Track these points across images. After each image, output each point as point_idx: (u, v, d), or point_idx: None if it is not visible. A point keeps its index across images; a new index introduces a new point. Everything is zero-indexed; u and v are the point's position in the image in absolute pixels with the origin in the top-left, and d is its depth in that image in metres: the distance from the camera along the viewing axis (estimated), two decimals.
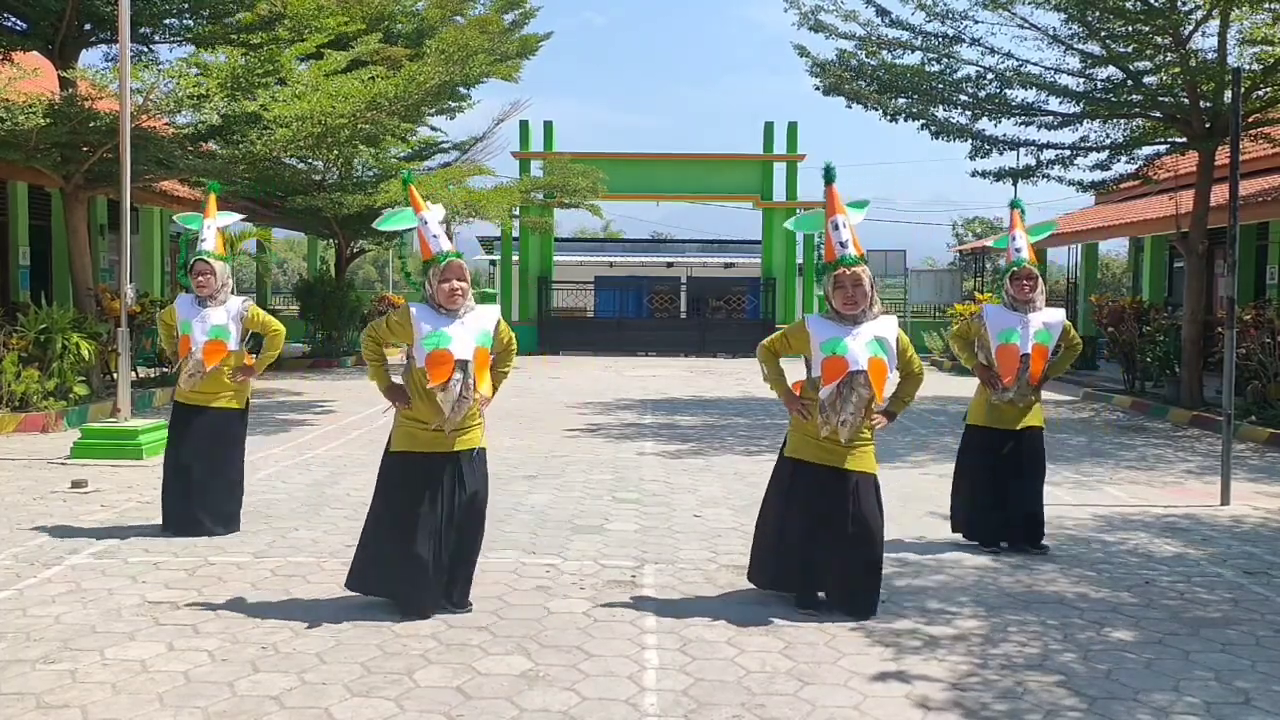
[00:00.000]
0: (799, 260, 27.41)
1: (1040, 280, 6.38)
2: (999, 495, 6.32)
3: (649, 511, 7.48)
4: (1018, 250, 6.39)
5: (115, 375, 11.15)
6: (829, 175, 5.23)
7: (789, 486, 5.16)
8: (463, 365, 4.86)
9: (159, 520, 6.76)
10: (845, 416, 4.93)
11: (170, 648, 4.54)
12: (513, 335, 5.30)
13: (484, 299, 28.10)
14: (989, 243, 7.47)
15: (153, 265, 21.05)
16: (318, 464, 9.25)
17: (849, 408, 4.93)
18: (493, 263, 36.45)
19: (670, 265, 35.83)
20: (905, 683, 4.25)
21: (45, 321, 11.76)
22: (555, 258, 27.83)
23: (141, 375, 14.60)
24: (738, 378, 19.31)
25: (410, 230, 5.32)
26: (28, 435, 10.73)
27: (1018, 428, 6.32)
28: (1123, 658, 4.56)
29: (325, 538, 6.55)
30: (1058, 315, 6.41)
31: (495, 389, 5.18)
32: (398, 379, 5.15)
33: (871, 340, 5.00)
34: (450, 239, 5.12)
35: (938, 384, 16.73)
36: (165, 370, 15.13)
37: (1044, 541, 6.41)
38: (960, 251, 38.80)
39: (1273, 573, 6.03)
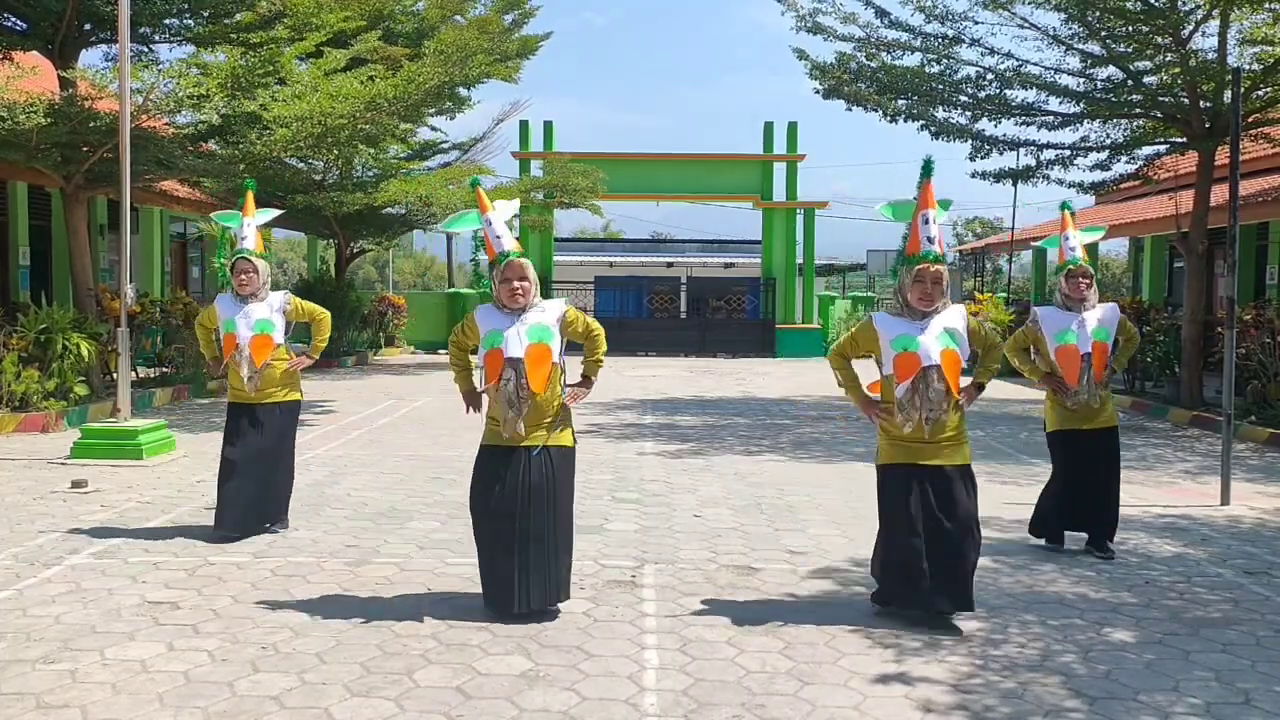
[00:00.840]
0: (799, 260, 27.39)
1: (1093, 280, 6.39)
2: (1078, 493, 6.31)
3: (649, 511, 7.48)
4: (1071, 249, 6.39)
5: (115, 375, 11.15)
6: (927, 169, 5.17)
7: (891, 495, 5.04)
8: (514, 364, 4.87)
9: (159, 520, 6.76)
10: (926, 413, 4.88)
11: (170, 648, 4.54)
12: (590, 321, 5.24)
13: (483, 299, 28.10)
14: (1040, 243, 7.54)
15: (153, 265, 21.04)
16: (318, 464, 9.25)
17: (927, 404, 4.88)
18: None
19: (670, 265, 35.80)
20: (906, 683, 4.25)
21: (45, 321, 11.76)
22: (555, 258, 27.82)
23: (141, 375, 14.59)
24: (738, 378, 19.31)
25: (475, 231, 5.38)
26: (28, 435, 10.73)
27: (1096, 427, 6.30)
28: (1123, 658, 4.56)
29: (325, 538, 6.54)
30: (1112, 310, 6.41)
31: (590, 378, 5.22)
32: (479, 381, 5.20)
33: (942, 333, 4.96)
34: (514, 236, 5.16)
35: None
36: (167, 371, 15.13)
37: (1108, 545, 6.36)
38: (960, 251, 38.78)
39: (1273, 573, 6.03)
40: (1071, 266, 6.33)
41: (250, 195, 6.90)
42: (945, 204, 5.29)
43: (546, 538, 4.95)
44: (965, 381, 5.07)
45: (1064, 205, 6.75)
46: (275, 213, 7.50)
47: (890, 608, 5.09)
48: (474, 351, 5.18)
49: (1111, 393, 6.47)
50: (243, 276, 6.54)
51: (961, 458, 5.02)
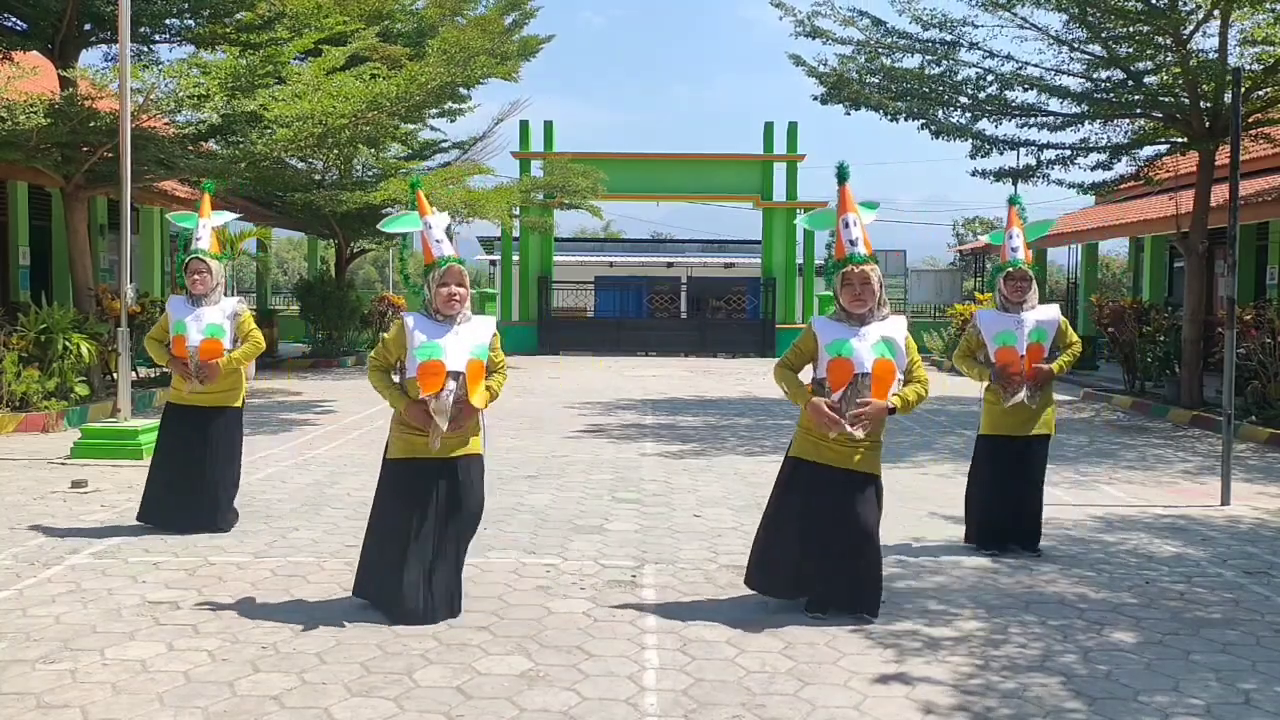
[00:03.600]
0: (799, 260, 27.39)
1: (1033, 281, 6.28)
2: (1007, 501, 6.26)
3: (649, 511, 7.48)
4: (1014, 250, 6.30)
5: (115, 375, 11.15)
6: (842, 174, 5.22)
7: (789, 486, 5.15)
8: (455, 376, 4.84)
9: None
10: (851, 419, 4.89)
11: (170, 648, 4.53)
12: (502, 353, 5.19)
13: (483, 298, 28.13)
14: (985, 239, 7.41)
15: (153, 265, 21.06)
16: (318, 464, 9.25)
17: (853, 409, 4.90)
18: (493, 263, 36.43)
19: (670, 265, 35.81)
20: (906, 684, 4.25)
21: (45, 321, 11.76)
22: (555, 258, 27.81)
23: (141, 375, 14.59)
24: (738, 378, 19.30)
25: (413, 233, 5.31)
26: (28, 435, 10.73)
27: (1030, 434, 6.23)
28: (1123, 658, 4.56)
29: (325, 538, 6.55)
30: (1052, 312, 6.30)
31: (486, 403, 5.09)
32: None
33: (879, 341, 4.98)
34: (452, 245, 5.12)
35: (937, 384, 16.64)
36: (166, 370, 15.11)
37: (1040, 544, 6.38)
38: (960, 251, 38.79)
39: (1273, 573, 6.03)
40: (1010, 269, 6.24)
41: (207, 196, 6.97)
42: (871, 205, 5.35)
43: (456, 548, 5.00)
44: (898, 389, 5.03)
45: (1011, 200, 6.58)
46: (231, 215, 7.58)
47: (760, 592, 5.22)
48: (394, 368, 5.04)
49: (1053, 399, 6.34)
50: (195, 277, 6.61)
51: (872, 466, 5.06)
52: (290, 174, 16.68)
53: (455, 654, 4.51)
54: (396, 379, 5.05)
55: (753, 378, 19.24)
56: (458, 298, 4.95)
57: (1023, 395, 6.13)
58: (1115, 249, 43.27)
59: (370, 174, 20.30)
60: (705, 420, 12.85)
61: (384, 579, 4.97)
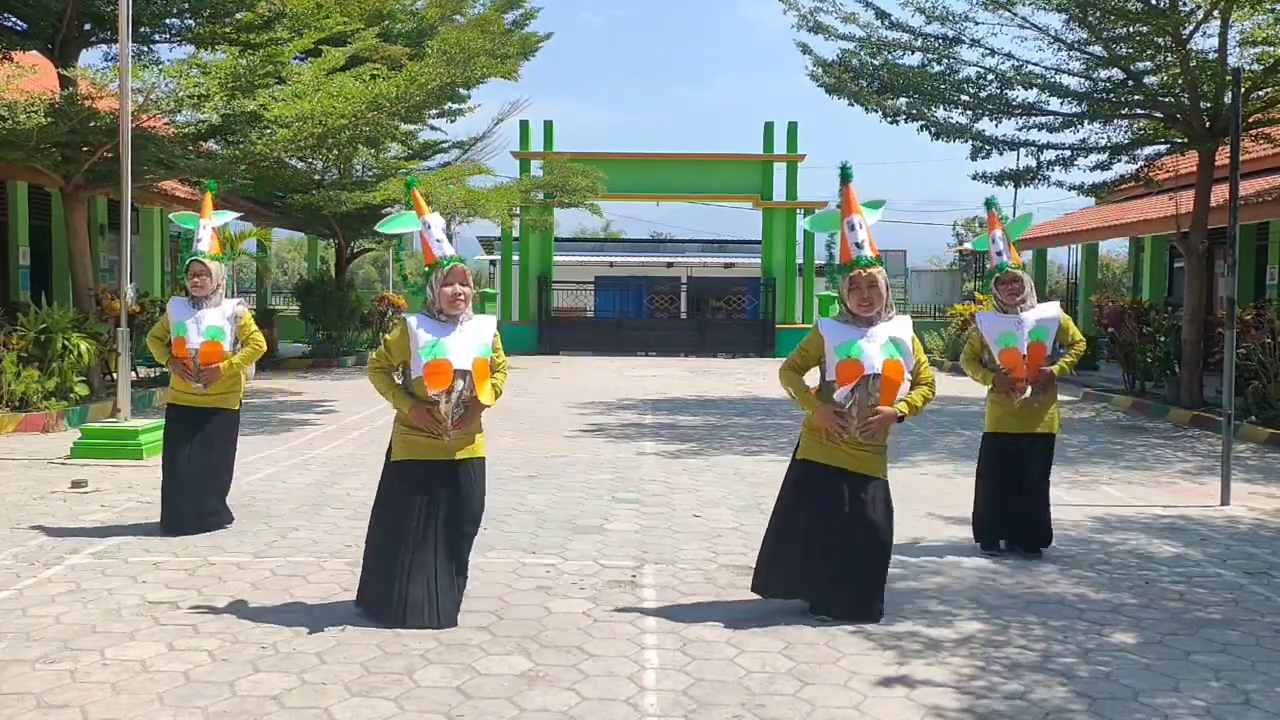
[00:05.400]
0: (799, 260, 27.39)
1: (1025, 281, 6.26)
2: (1008, 499, 6.26)
3: (649, 511, 7.48)
4: (999, 254, 6.30)
5: (115, 375, 11.15)
6: (845, 175, 5.18)
7: (796, 489, 5.12)
8: (462, 375, 4.83)
9: (159, 520, 6.76)
10: (860, 421, 4.89)
11: (170, 648, 4.53)
12: (504, 357, 5.18)
13: (483, 298, 28.13)
14: (968, 246, 7.32)
15: (153, 265, 21.05)
16: (318, 464, 9.24)
17: (864, 412, 4.89)
18: (493, 263, 36.45)
19: (670, 265, 35.80)
20: (907, 684, 4.25)
21: (45, 321, 11.76)
22: (555, 258, 27.81)
23: (141, 375, 14.59)
24: (738, 378, 19.31)
25: (412, 233, 5.28)
26: (28, 435, 10.73)
27: (1034, 431, 6.23)
28: (1124, 659, 4.56)
29: (325, 538, 6.54)
30: (1052, 310, 6.31)
31: (494, 400, 5.11)
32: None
33: (887, 342, 4.97)
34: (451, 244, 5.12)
35: (938, 384, 16.71)
36: (166, 370, 15.11)
37: (1047, 546, 6.36)
38: (960, 252, 38.78)
39: (1273, 573, 6.03)
40: (1000, 273, 6.24)
41: (209, 197, 6.96)
42: (876, 204, 5.29)
43: (460, 552, 4.98)
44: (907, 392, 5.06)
45: (988, 202, 6.56)
46: (232, 215, 7.56)
47: (768, 596, 5.17)
48: (395, 370, 5.03)
49: (1057, 398, 6.33)
50: (196, 279, 6.61)
51: (879, 469, 5.05)
52: (290, 174, 16.68)
53: (455, 654, 4.51)
54: (400, 380, 5.04)
55: (753, 378, 19.24)
56: (462, 297, 4.94)
57: (1026, 395, 6.13)
58: (1115, 249, 43.33)
59: (370, 174, 20.30)
60: (705, 420, 12.85)
61: (385, 584, 4.93)
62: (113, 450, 9.14)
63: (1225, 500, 7.90)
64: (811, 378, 5.22)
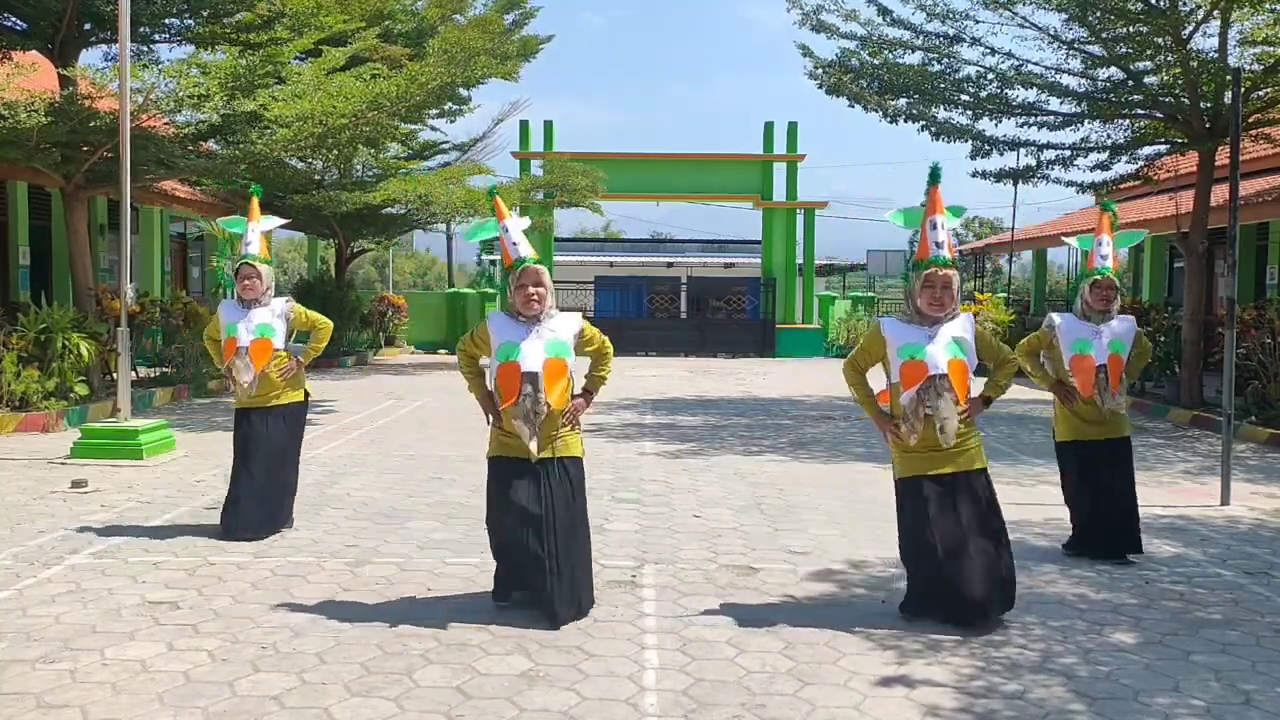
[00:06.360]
0: (799, 260, 27.39)
1: (1118, 293, 6.24)
2: (1101, 502, 6.16)
3: (649, 511, 7.48)
4: (1103, 258, 6.24)
5: (115, 375, 11.14)
6: (935, 175, 5.14)
7: (911, 509, 5.04)
8: (531, 378, 4.83)
9: (159, 520, 6.75)
10: (941, 421, 4.86)
11: (170, 648, 4.53)
12: (604, 340, 5.23)
13: (484, 297, 28.12)
14: (1073, 241, 7.34)
15: (153, 265, 21.02)
16: (318, 464, 9.24)
17: (941, 411, 4.86)
18: (493, 263, 36.46)
19: (670, 265, 35.80)
20: (907, 685, 4.25)
21: (45, 321, 11.76)
22: (555, 258, 27.81)
23: (142, 375, 14.59)
24: (738, 378, 19.30)
25: (495, 239, 5.32)
26: (28, 435, 10.73)
27: (1107, 437, 6.17)
28: (1124, 659, 4.56)
29: (325, 538, 6.54)
30: (1129, 324, 6.27)
31: (592, 392, 5.20)
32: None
33: (950, 342, 4.95)
34: (530, 246, 5.14)
35: None
36: (166, 370, 15.12)
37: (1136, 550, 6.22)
38: (960, 252, 38.79)
39: (1273, 573, 6.02)
40: (1099, 277, 6.19)
41: (256, 201, 6.96)
42: (957, 210, 5.24)
43: (573, 549, 4.95)
44: (974, 392, 5.06)
45: (1105, 205, 6.48)
46: (280, 221, 7.57)
47: (921, 619, 5.04)
48: (479, 358, 5.16)
49: (1128, 404, 6.30)
50: (246, 282, 6.59)
51: (976, 462, 5.02)
52: (290, 174, 16.69)
53: (455, 654, 4.51)
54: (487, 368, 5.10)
55: (753, 378, 19.24)
56: (536, 297, 4.97)
57: (1110, 403, 6.07)
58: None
59: (370, 174, 20.30)
60: (705, 420, 12.85)
61: (514, 582, 5.03)
62: (113, 450, 9.13)
63: (1225, 500, 7.90)
64: (875, 378, 5.18)
